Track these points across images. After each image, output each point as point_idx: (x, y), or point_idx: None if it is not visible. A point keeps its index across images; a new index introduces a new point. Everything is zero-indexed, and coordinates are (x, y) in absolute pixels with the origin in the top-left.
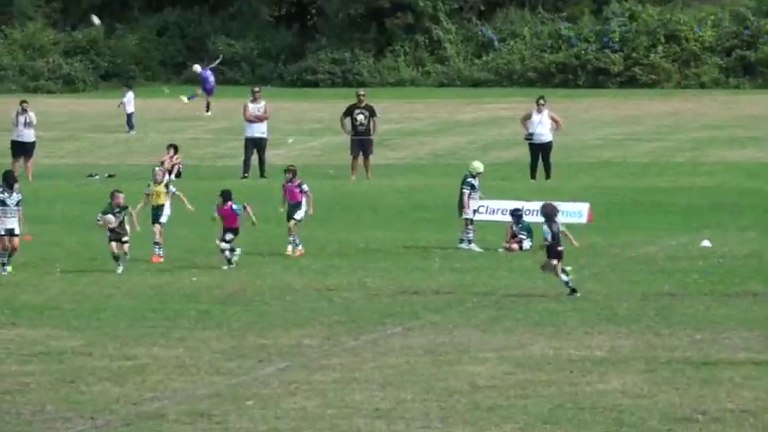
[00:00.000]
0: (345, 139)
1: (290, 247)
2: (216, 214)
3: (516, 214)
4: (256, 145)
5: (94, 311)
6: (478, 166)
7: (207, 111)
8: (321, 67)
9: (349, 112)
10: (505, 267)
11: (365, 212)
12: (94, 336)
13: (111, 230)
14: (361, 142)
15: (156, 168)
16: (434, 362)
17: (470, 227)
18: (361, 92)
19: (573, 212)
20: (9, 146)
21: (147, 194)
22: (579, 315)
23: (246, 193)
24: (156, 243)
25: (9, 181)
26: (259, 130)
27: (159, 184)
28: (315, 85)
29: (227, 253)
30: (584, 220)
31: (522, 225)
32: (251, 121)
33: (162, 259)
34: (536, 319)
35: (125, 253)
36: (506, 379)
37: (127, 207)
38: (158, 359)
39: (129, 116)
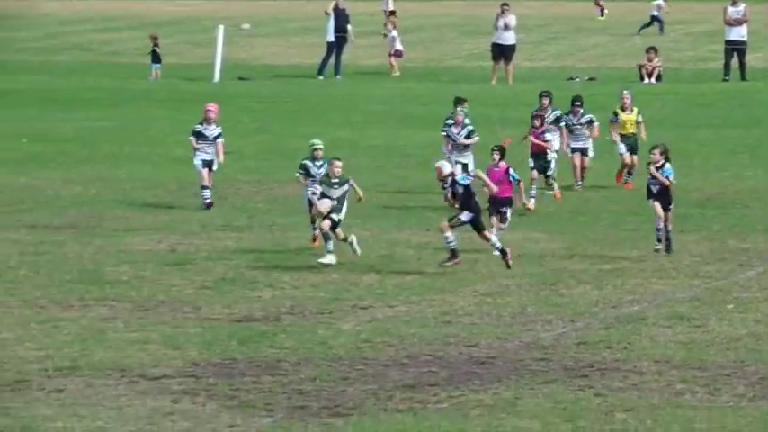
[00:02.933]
0: None
1: (531, 201)
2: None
3: None
4: (736, 48)
5: (573, 215)
6: None
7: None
8: None
9: None
10: None
11: None
12: (574, 239)
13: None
14: None
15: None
16: None
17: None
18: None
19: None
20: (489, 49)
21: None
22: None
23: (727, 95)
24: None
25: None
26: (738, 33)
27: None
28: None
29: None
30: None
31: None
32: (730, 25)
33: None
34: None
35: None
36: None
37: (347, 180)
38: (638, 262)
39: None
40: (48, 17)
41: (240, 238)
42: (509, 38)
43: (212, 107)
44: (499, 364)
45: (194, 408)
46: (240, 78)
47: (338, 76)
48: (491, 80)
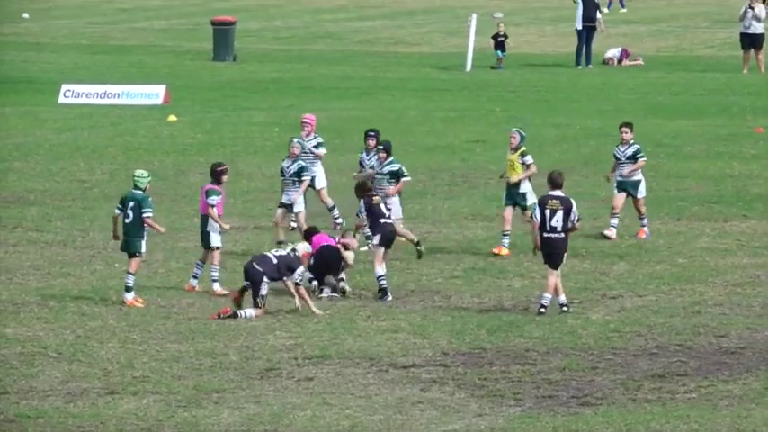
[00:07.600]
0: None
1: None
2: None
3: None
4: None
5: None
6: None
7: None
8: None
9: None
10: None
11: None
12: None
13: None
14: None
15: None
16: None
17: None
18: None
19: None
20: (738, 38)
21: None
22: None
23: None
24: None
25: None
26: None
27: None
28: None
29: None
30: None
31: None
32: None
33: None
34: None
35: None
36: None
37: None
38: None
39: None
40: (305, 5)
41: (490, 228)
42: (758, 27)
43: (309, 117)
44: (749, 355)
45: (443, 397)
46: (492, 67)
47: (589, 65)
48: (742, 69)
